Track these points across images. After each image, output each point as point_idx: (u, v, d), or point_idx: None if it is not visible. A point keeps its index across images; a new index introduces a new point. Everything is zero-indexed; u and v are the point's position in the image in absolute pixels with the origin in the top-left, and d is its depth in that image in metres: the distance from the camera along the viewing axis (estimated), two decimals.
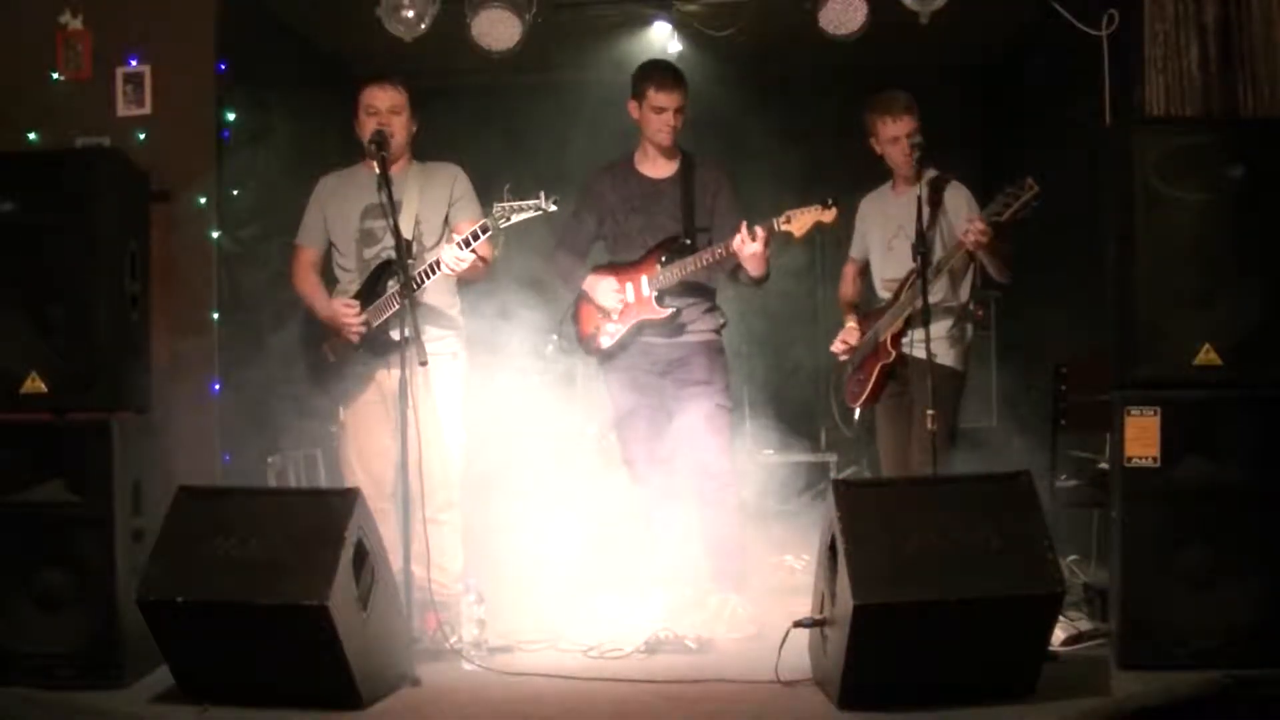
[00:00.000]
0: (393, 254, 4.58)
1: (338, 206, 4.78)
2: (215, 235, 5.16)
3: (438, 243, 4.71)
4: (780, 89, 6.90)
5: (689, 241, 4.85)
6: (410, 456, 4.30)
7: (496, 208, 4.43)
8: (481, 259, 4.61)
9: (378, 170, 4.50)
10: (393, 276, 4.59)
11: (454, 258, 4.48)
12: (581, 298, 5.04)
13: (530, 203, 4.42)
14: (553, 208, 4.45)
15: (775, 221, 4.61)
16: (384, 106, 4.63)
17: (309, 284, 4.81)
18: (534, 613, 4.70)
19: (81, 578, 3.93)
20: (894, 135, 4.84)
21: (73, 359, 4.00)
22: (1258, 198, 3.93)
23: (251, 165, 5.40)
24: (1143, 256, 3.97)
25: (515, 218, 4.42)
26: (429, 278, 4.53)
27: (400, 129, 4.66)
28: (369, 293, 4.67)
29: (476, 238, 4.46)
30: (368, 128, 4.63)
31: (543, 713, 3.69)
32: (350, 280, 4.77)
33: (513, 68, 5.65)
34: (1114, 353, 4.05)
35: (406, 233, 4.59)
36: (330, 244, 4.82)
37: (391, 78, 4.70)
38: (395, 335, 4.51)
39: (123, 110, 5.11)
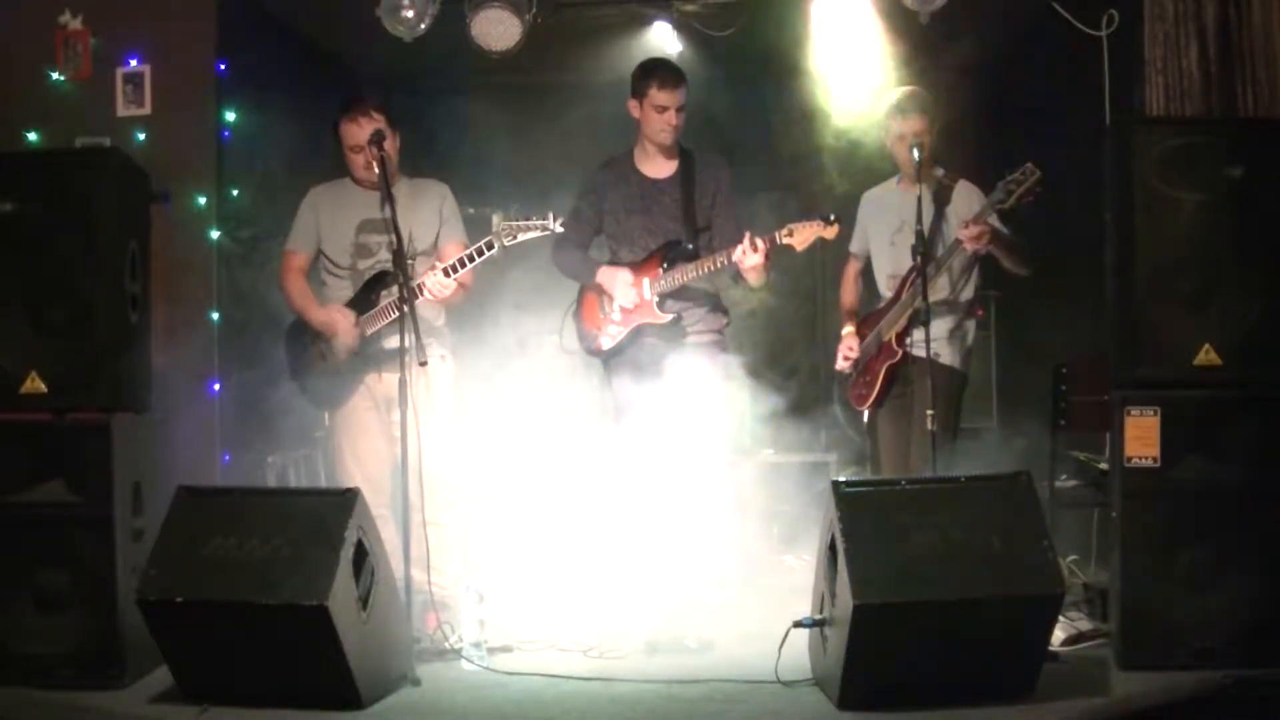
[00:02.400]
0: (387, 266, 4.63)
1: (331, 218, 4.81)
2: (215, 235, 5.16)
3: (428, 256, 4.76)
4: (780, 89, 6.90)
5: (690, 246, 4.86)
6: (410, 459, 4.30)
7: (503, 226, 4.53)
8: (461, 284, 4.66)
9: (376, 170, 4.52)
10: (386, 287, 4.65)
11: (438, 284, 4.53)
12: (585, 295, 5.04)
13: (536, 222, 4.53)
14: (559, 228, 4.55)
15: (777, 234, 4.62)
16: (365, 140, 4.60)
17: (299, 290, 4.83)
18: (534, 613, 4.70)
19: (81, 578, 3.93)
20: (900, 133, 4.84)
21: (73, 359, 4.00)
22: (1257, 198, 3.94)
23: (251, 165, 5.40)
24: (1143, 256, 3.97)
25: (521, 236, 4.54)
26: (415, 297, 4.53)
27: (388, 150, 4.65)
28: (362, 302, 4.71)
29: (481, 254, 4.54)
30: (357, 164, 4.68)
31: (543, 713, 3.69)
32: (341, 286, 4.80)
33: (513, 68, 5.65)
34: (1114, 353, 4.05)
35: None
36: (320, 252, 4.84)
37: (364, 105, 4.68)
38: (386, 345, 4.57)
39: (123, 110, 5.12)
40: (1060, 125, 5.75)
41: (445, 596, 4.53)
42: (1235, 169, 3.94)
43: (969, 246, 4.63)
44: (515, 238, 4.52)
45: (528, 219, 4.53)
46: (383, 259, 4.69)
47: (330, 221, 4.81)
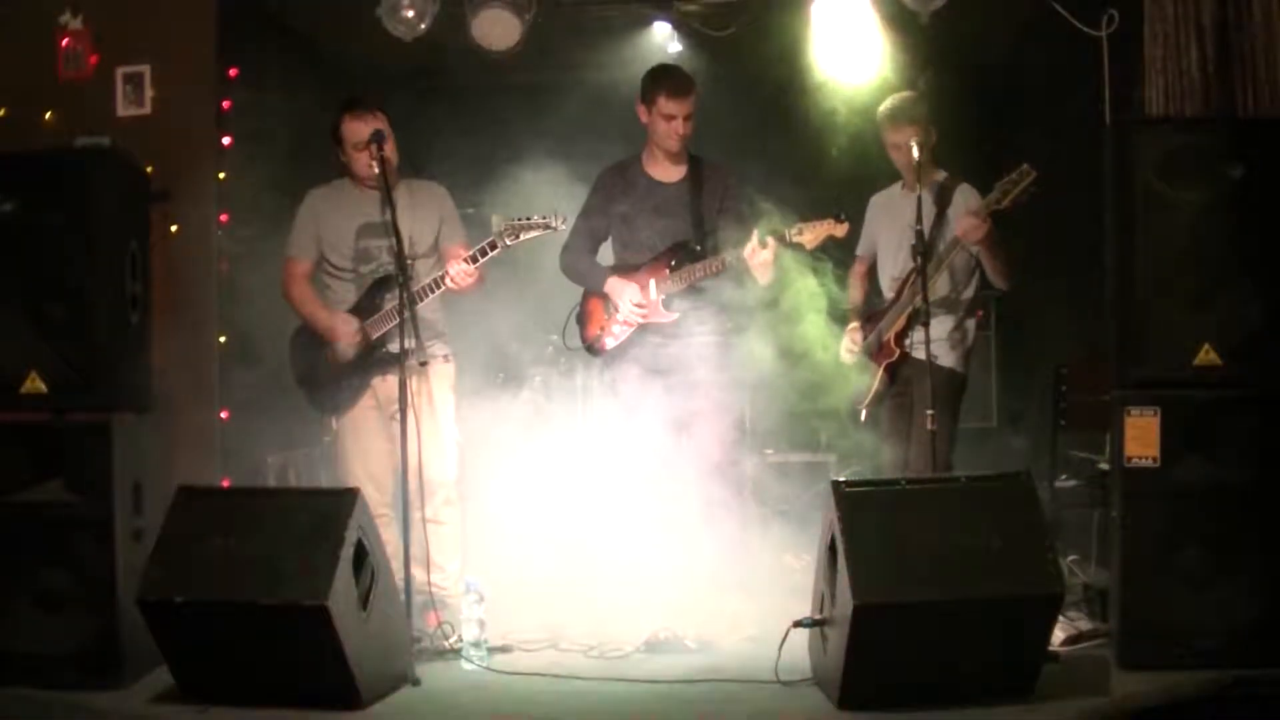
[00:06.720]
0: (390, 270, 4.63)
1: (331, 224, 4.80)
2: (215, 235, 5.16)
3: (428, 258, 4.77)
4: (780, 88, 6.90)
5: (697, 248, 4.87)
6: (410, 457, 4.30)
7: (505, 225, 4.56)
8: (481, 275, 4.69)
9: (376, 170, 4.51)
10: (390, 291, 4.64)
11: (461, 273, 4.56)
12: (591, 298, 5.05)
13: (539, 220, 4.56)
14: (561, 226, 4.56)
15: (787, 232, 4.63)
16: (366, 139, 4.59)
17: (305, 296, 4.82)
18: (534, 613, 4.70)
19: (81, 578, 3.93)
20: (896, 143, 4.86)
21: (73, 359, 4.00)
22: (1258, 198, 3.94)
23: (251, 165, 5.40)
24: (1143, 256, 3.97)
25: (524, 235, 4.58)
26: (433, 292, 4.61)
27: (389, 153, 4.64)
28: (367, 306, 4.72)
29: (485, 254, 4.57)
30: (360, 161, 4.64)
31: (543, 713, 3.70)
32: (344, 289, 4.80)
33: (513, 67, 5.65)
34: (1114, 353, 4.05)
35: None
36: (321, 256, 4.84)
37: (369, 105, 4.68)
38: (391, 347, 4.58)
39: (123, 110, 5.11)
40: (1060, 125, 5.76)
41: (445, 595, 4.54)
42: (1235, 169, 3.94)
43: (963, 235, 4.61)
44: (518, 237, 4.55)
45: (529, 218, 4.56)
46: (384, 262, 4.71)
47: (330, 226, 4.80)
